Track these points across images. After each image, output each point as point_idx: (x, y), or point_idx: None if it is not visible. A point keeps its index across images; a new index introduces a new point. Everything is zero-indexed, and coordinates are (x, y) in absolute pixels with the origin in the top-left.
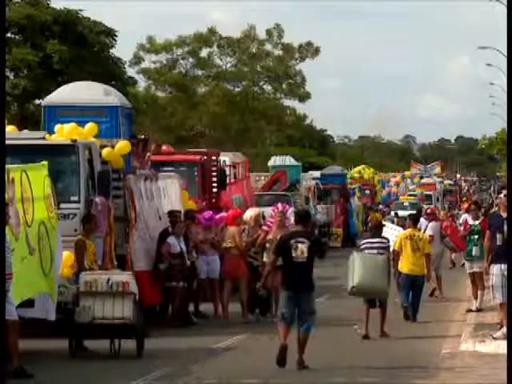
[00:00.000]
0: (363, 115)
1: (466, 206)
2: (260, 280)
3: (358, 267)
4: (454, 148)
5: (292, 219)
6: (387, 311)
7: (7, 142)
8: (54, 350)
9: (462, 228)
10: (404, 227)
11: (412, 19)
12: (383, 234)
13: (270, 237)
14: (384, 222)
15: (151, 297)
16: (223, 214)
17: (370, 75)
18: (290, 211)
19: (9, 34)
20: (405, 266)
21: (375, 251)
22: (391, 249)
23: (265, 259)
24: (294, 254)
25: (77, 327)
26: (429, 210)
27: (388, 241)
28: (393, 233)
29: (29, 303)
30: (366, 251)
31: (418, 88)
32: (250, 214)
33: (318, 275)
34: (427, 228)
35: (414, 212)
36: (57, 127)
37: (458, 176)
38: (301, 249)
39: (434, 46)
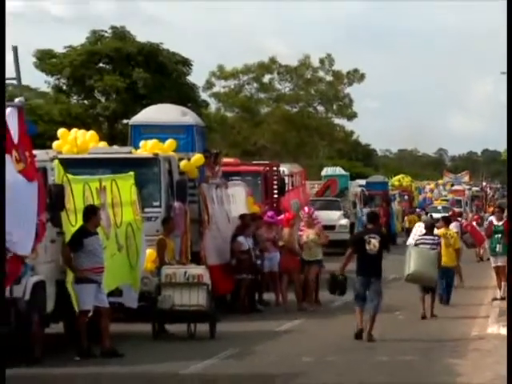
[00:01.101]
0: (402, 131)
1: (491, 209)
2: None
3: (413, 259)
4: (481, 159)
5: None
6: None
7: (100, 155)
8: (140, 333)
9: (484, 228)
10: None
11: (444, 52)
12: (417, 230)
13: (303, 236)
14: (418, 223)
15: (222, 287)
16: (283, 216)
17: (407, 97)
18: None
19: (101, 64)
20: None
21: (428, 246)
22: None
23: (303, 256)
24: (367, 247)
25: (159, 313)
26: (450, 212)
27: (439, 237)
28: (422, 230)
29: (118, 293)
30: (421, 246)
31: (449, 108)
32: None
33: None
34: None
35: (446, 214)
36: (141, 143)
37: (484, 184)
38: (373, 243)
39: (464, 72)
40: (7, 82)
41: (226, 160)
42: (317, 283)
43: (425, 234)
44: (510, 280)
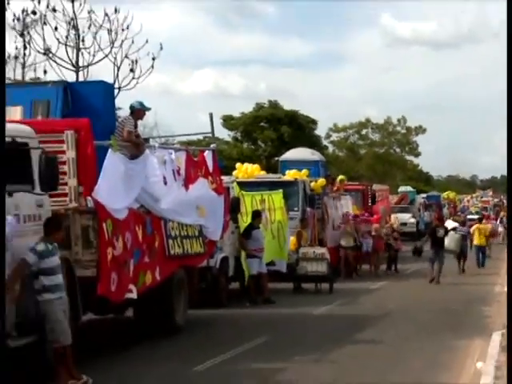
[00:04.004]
0: (449, 163)
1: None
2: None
3: (447, 239)
4: (500, 181)
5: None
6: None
7: (261, 179)
8: (285, 289)
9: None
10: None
11: (475, 110)
12: (449, 223)
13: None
14: (449, 220)
15: (335, 260)
16: (374, 217)
17: (452, 142)
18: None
19: (261, 123)
20: (476, 241)
21: (462, 232)
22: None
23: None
24: (438, 235)
25: (297, 276)
26: (483, 214)
27: (468, 230)
28: (453, 224)
29: (273, 264)
30: (458, 231)
31: (480, 148)
32: (393, 217)
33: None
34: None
35: (480, 216)
36: (287, 172)
37: (502, 197)
38: (441, 232)
39: (488, 125)
40: (207, 135)
41: (338, 182)
42: (395, 257)
43: (460, 225)
44: (510, 280)
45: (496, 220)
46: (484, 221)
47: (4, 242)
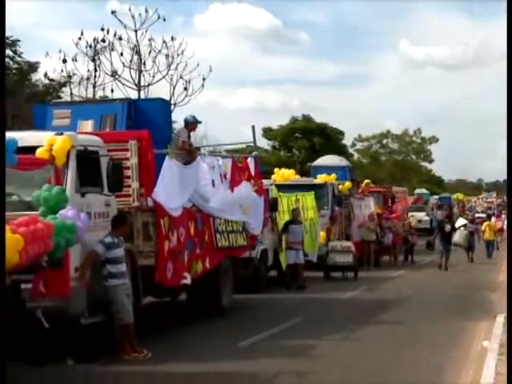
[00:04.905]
0: (458, 168)
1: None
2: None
3: (456, 235)
4: (503, 184)
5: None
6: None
7: (296, 182)
8: (316, 277)
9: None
10: (473, 221)
11: (479, 122)
12: (460, 221)
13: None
14: (460, 218)
15: (360, 252)
16: (394, 214)
17: (461, 149)
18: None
19: (296, 134)
20: (486, 236)
21: (470, 229)
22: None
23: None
24: (445, 230)
25: (327, 266)
26: (491, 212)
27: (476, 226)
28: (463, 221)
29: (305, 255)
30: (467, 228)
31: (485, 155)
32: (410, 215)
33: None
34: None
35: (486, 215)
36: (318, 176)
37: (504, 198)
38: (448, 228)
39: (491, 135)
40: (249, 144)
41: (363, 185)
42: (411, 251)
43: (469, 223)
44: (510, 280)
45: (500, 216)
46: (494, 219)
47: (4, 238)
